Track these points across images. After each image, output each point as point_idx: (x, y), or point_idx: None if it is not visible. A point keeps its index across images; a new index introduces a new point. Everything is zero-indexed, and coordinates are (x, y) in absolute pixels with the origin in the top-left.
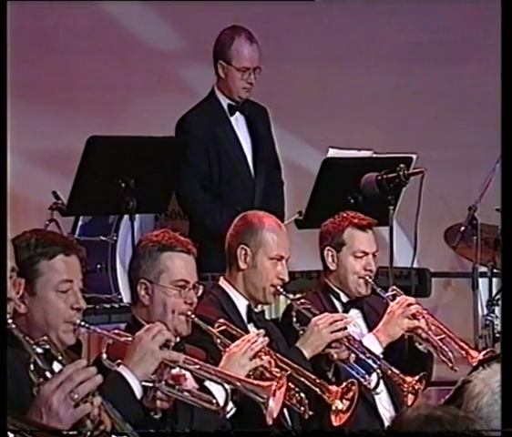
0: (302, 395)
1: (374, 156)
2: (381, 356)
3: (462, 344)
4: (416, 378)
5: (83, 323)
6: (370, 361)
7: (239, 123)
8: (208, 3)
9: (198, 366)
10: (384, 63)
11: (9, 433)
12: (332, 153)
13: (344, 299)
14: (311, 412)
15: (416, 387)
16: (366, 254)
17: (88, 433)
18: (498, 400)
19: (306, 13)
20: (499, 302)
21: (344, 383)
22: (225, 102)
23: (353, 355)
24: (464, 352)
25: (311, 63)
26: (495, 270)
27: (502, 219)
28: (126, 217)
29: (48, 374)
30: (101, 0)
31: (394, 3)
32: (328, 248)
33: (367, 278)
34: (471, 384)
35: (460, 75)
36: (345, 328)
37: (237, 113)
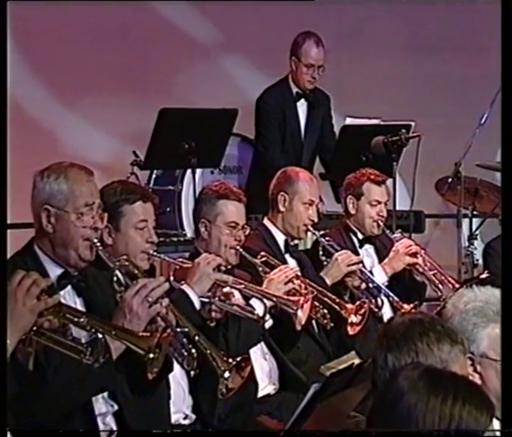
0: (325, 311)
1: (382, 123)
2: (386, 283)
3: (449, 279)
4: (411, 305)
5: (155, 253)
6: (376, 290)
7: (301, 107)
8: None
9: (243, 285)
10: (390, 52)
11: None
12: (349, 121)
13: (361, 236)
14: (332, 324)
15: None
16: (380, 203)
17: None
18: (466, 316)
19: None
20: (477, 237)
21: (358, 302)
22: (294, 90)
23: (363, 284)
24: (450, 285)
25: (335, 52)
26: (474, 212)
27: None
28: (189, 170)
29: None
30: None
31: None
32: (350, 196)
33: (379, 221)
34: (445, 310)
35: (448, 61)
36: (358, 263)
37: (302, 99)
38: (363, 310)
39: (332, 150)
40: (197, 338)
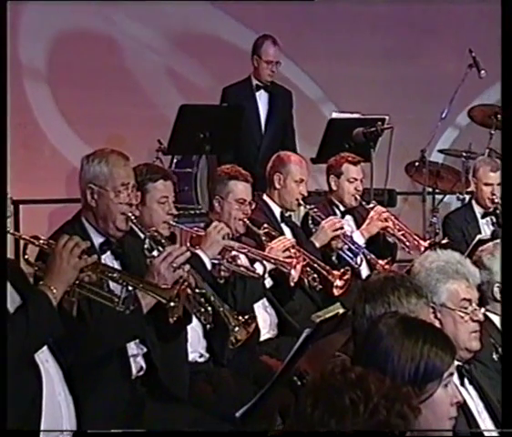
0: (315, 275)
1: (362, 117)
2: (364, 245)
3: (415, 237)
4: (385, 261)
5: (175, 223)
6: (356, 250)
7: (261, 97)
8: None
9: (247, 250)
10: (370, 59)
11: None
12: (335, 115)
13: (342, 208)
14: (320, 286)
15: (386, 267)
16: (356, 180)
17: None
18: (430, 273)
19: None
20: (439, 210)
21: (342, 269)
22: (254, 83)
23: (346, 246)
24: (416, 242)
25: (326, 58)
26: (436, 190)
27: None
28: (203, 156)
29: (155, 252)
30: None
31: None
32: (332, 175)
33: (357, 195)
34: (413, 268)
35: (416, 66)
36: (341, 228)
37: (261, 90)
38: (346, 276)
39: (292, 140)
40: (212, 298)
